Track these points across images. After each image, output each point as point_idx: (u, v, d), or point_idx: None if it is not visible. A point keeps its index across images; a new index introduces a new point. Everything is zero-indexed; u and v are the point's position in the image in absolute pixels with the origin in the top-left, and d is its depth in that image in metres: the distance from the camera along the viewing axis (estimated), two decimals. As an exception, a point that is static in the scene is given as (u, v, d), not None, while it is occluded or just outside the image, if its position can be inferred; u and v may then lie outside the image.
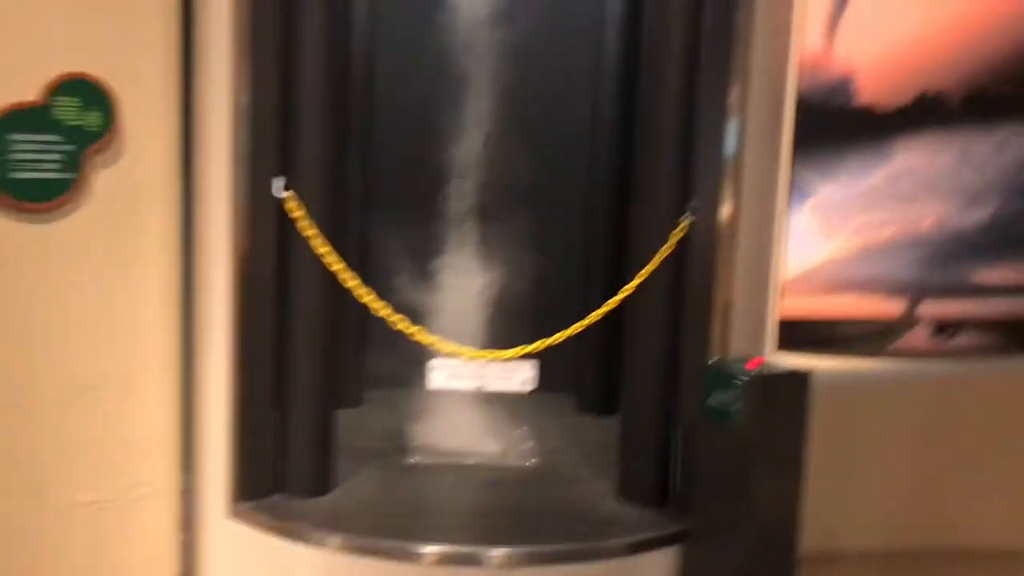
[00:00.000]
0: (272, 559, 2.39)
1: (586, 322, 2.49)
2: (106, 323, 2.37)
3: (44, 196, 2.23)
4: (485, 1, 2.87)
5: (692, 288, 2.47)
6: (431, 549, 2.27)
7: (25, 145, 2.19)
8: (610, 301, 2.47)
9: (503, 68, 2.88)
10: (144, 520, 2.50)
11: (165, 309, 2.47)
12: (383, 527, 2.36)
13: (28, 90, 2.19)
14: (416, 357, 2.68)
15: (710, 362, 2.33)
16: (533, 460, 2.86)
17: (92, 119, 2.27)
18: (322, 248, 2.40)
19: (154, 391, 2.48)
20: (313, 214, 2.41)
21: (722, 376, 2.22)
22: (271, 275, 2.43)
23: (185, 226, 2.49)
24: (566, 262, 3.43)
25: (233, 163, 2.37)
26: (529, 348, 2.44)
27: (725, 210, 2.42)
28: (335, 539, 2.30)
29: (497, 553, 2.27)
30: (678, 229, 2.44)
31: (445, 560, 2.27)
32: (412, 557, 2.27)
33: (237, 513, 2.44)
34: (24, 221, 2.22)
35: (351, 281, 2.44)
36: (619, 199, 3.20)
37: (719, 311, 2.43)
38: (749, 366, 2.20)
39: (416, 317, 2.72)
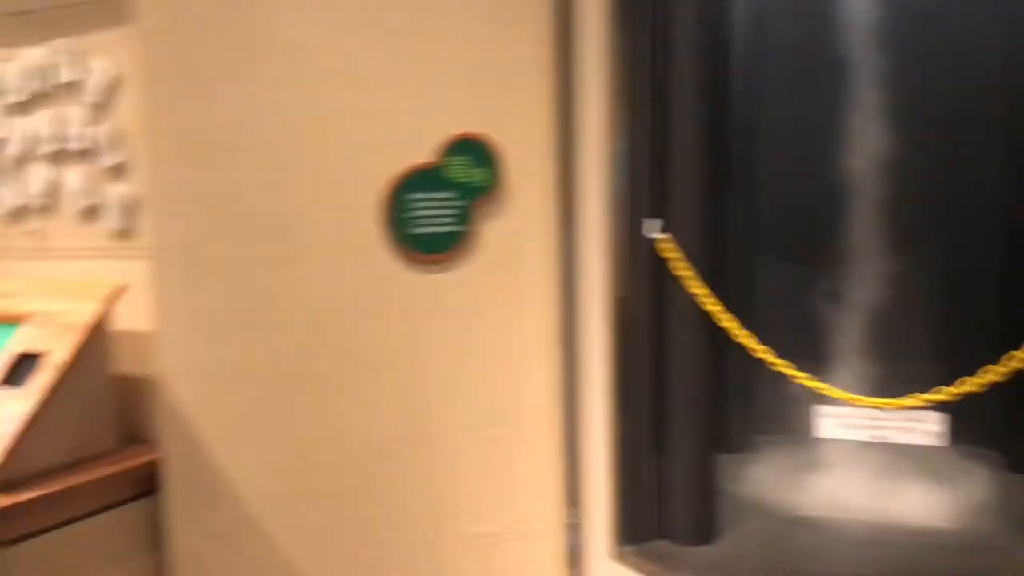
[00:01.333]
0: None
1: (1014, 365, 2.13)
2: (495, 364, 2.50)
3: (440, 248, 2.42)
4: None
5: None
6: (827, 614, 2.07)
7: (423, 203, 2.40)
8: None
9: (899, 81, 2.62)
10: (533, 553, 2.58)
11: (547, 351, 2.55)
12: (769, 584, 2.20)
13: (425, 153, 2.40)
14: (806, 402, 2.50)
15: None
16: (946, 523, 2.51)
17: (479, 175, 2.42)
18: (697, 289, 2.33)
19: (540, 430, 2.57)
20: (688, 255, 2.36)
21: None
22: (646, 317, 2.42)
23: (564, 271, 2.57)
24: (983, 295, 3.01)
25: (609, 207, 2.40)
26: (939, 396, 2.14)
27: None
28: (721, 594, 2.19)
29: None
30: None
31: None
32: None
33: (620, 556, 2.43)
34: (423, 272, 2.42)
35: (728, 322, 2.34)
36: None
37: None
38: None
39: (804, 359, 2.54)
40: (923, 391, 2.17)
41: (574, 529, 2.62)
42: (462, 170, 2.41)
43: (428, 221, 2.40)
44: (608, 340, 2.43)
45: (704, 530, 2.45)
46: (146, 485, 2.42)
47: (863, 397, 2.21)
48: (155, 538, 2.43)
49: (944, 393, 2.13)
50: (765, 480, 2.84)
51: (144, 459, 2.43)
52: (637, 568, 2.38)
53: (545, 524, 2.58)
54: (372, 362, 2.42)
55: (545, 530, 2.58)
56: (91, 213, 2.62)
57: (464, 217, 2.43)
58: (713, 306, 2.33)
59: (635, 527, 2.46)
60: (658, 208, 2.39)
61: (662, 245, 2.36)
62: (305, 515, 2.42)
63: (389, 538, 2.47)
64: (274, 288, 2.35)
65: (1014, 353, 2.12)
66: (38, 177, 2.67)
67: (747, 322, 2.40)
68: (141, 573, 2.43)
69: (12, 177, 2.72)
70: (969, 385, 2.11)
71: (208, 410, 2.40)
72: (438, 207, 2.41)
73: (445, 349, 2.46)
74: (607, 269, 2.41)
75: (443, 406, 2.49)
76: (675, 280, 2.37)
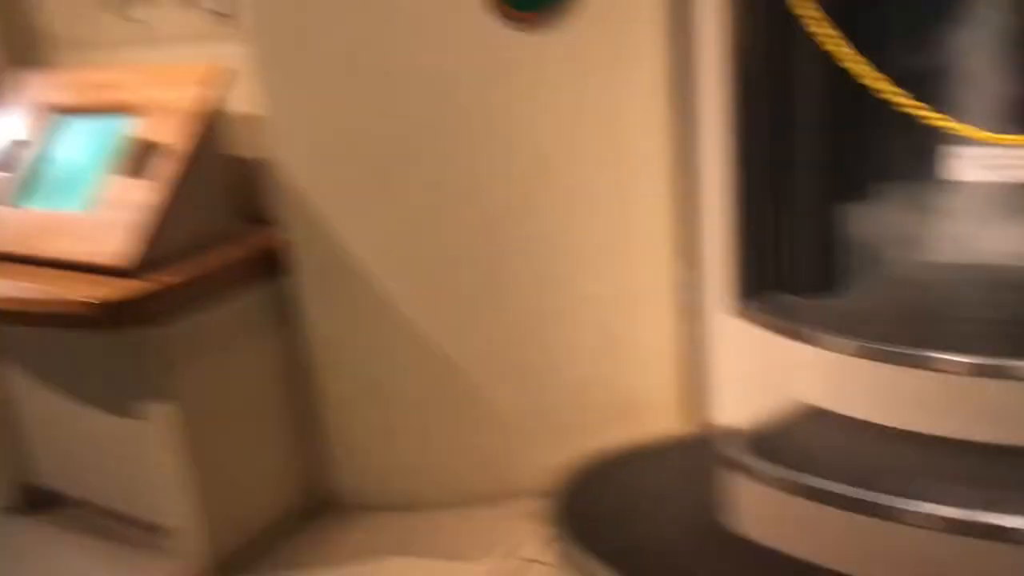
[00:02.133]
0: (778, 358, 2.36)
1: None
2: (605, 126, 2.43)
3: (541, 4, 2.29)
4: None
5: None
6: (955, 358, 2.06)
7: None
8: None
9: None
10: (652, 311, 2.63)
11: (659, 107, 2.46)
12: (897, 332, 2.19)
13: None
14: (932, 145, 2.37)
15: None
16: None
17: (583, -78, 2.25)
18: (819, 27, 2.17)
19: (653, 188, 2.53)
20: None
21: None
22: (766, 61, 2.28)
23: (676, 11, 2.42)
24: None
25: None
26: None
27: None
28: (846, 342, 2.19)
29: (1034, 367, 1.99)
30: None
31: (971, 371, 2.05)
32: (933, 366, 2.08)
33: (740, 310, 2.44)
34: (523, 31, 2.31)
35: (853, 63, 2.18)
36: None
37: None
38: None
39: (936, 99, 2.38)
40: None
41: (693, 286, 2.63)
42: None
43: (530, -23, 2.27)
44: (725, 87, 2.32)
45: (826, 280, 2.43)
46: (272, 263, 2.51)
47: (1003, 135, 2.08)
48: (286, 312, 2.56)
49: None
50: (892, 227, 2.75)
51: (268, 239, 2.51)
52: (758, 322, 2.39)
53: (663, 282, 2.60)
54: (480, 129, 2.39)
55: (663, 288, 2.60)
56: (189, -4, 2.56)
57: (568, -29, 2.28)
58: (838, 47, 2.17)
59: (755, 280, 2.45)
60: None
61: (784, -15, 2.19)
62: (426, 281, 2.50)
63: (506, 303, 2.53)
64: (375, 58, 2.30)
65: None
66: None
67: (877, 64, 2.24)
68: (276, 346, 2.59)
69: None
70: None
71: (323, 187, 2.44)
72: (540, -40, 2.26)
73: (553, 113, 2.40)
74: (722, 12, 2.26)
75: (552, 170, 2.46)
76: (798, 19, 2.20)
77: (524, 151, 2.43)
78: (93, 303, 2.12)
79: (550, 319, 2.57)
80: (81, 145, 2.55)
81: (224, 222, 2.50)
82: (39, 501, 2.85)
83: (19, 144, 2.63)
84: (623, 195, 2.51)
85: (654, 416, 2.70)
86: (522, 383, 2.62)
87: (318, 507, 2.70)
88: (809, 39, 2.20)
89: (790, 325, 2.31)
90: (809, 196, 2.37)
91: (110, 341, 2.33)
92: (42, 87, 2.70)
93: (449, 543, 2.51)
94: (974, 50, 2.42)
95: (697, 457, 2.49)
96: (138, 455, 2.46)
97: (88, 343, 2.39)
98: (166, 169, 2.31)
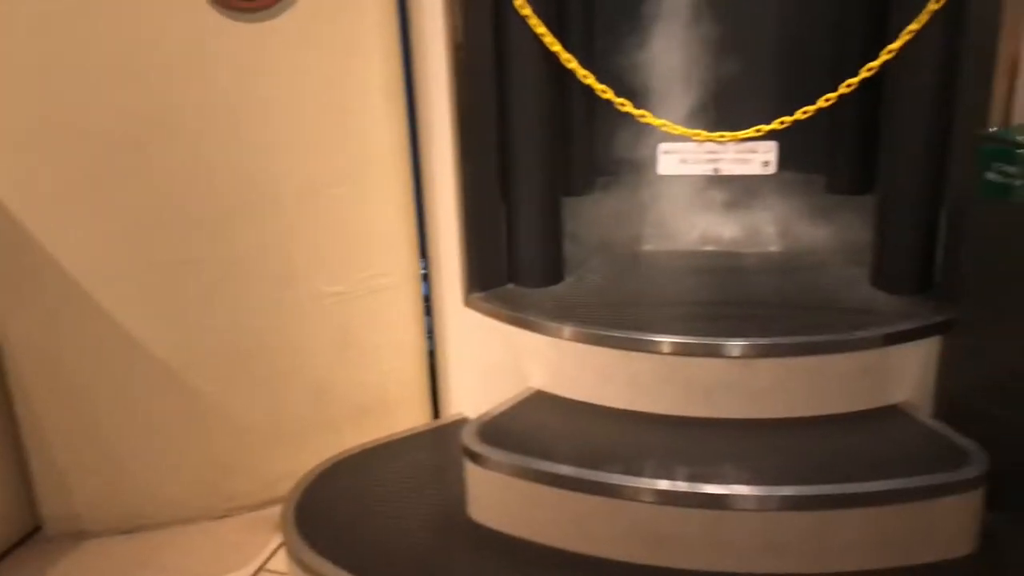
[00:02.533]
0: (508, 346, 2.42)
1: (839, 91, 2.19)
2: (333, 119, 2.37)
3: (261, -8, 2.20)
4: None
5: (970, 42, 2.09)
6: (667, 339, 2.19)
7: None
8: (870, 64, 2.15)
9: None
10: (387, 306, 2.60)
11: (389, 103, 2.44)
12: (616, 317, 2.30)
13: None
14: (647, 141, 2.52)
15: (990, 131, 1.99)
16: (777, 244, 2.67)
17: (296, -95, 2.17)
18: (540, 28, 2.23)
19: (387, 185, 2.51)
20: (529, -9, 2.24)
21: (1006, 146, 1.90)
22: (489, 60, 2.32)
23: (402, 12, 2.41)
24: (817, 28, 3.05)
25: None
26: (769, 127, 2.20)
27: (1017, -55, 1.99)
28: (567, 328, 2.28)
29: (737, 344, 2.15)
30: (953, -25, 2.05)
31: (682, 351, 2.19)
32: (647, 347, 2.20)
33: (472, 302, 2.48)
34: (240, 20, 2.21)
35: (571, 62, 2.28)
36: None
37: (1003, 70, 2.05)
38: (1041, 134, 1.87)
39: (644, 98, 2.54)
40: (757, 124, 2.22)
41: (427, 280, 2.64)
42: (276, -100, 2.15)
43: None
44: (451, 87, 2.33)
45: (550, 272, 2.52)
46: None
47: (701, 131, 2.24)
48: (-16, 325, 2.30)
49: (775, 124, 2.18)
50: (609, 220, 2.91)
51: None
52: (487, 312, 2.43)
53: (398, 278, 2.58)
54: (202, 122, 2.25)
55: (398, 283, 2.58)
56: None
57: (286, -45, 2.20)
58: (556, 46, 2.25)
59: (485, 273, 2.49)
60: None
61: (501, -19, 2.23)
62: (143, 288, 2.33)
63: (237, 305, 2.41)
64: (79, 46, 2.11)
65: (852, 80, 2.18)
66: None
67: (589, 63, 2.35)
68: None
69: None
70: (797, 115, 2.18)
71: (21, 186, 2.20)
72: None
73: (280, 104, 2.31)
74: (447, 10, 2.27)
75: (280, 168, 2.36)
76: (517, 19, 2.26)
77: (250, 146, 2.32)
78: None
79: (287, 320, 2.48)
80: None
81: None
82: None
83: None
84: (357, 190, 2.47)
85: (398, 413, 2.69)
86: (257, 389, 2.51)
87: (27, 537, 2.45)
88: (527, 36, 2.26)
89: (516, 314, 2.37)
90: (532, 191, 2.44)
91: None
92: None
93: (179, 562, 2.36)
94: (674, 51, 2.60)
95: (438, 451, 2.51)
96: None
97: None
98: None
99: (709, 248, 2.67)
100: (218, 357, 2.44)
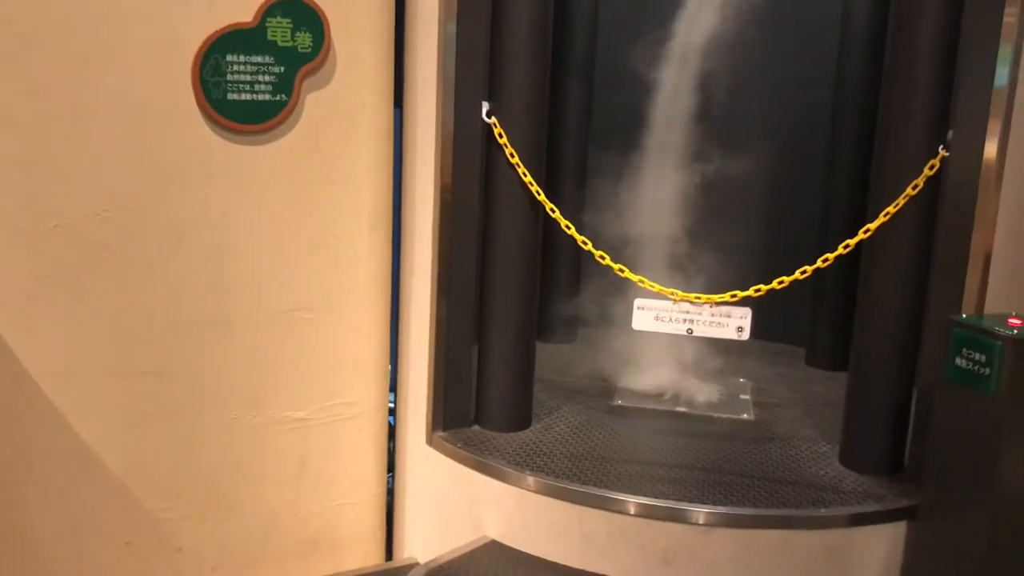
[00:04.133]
0: (466, 490, 2.35)
1: (816, 265, 2.21)
2: (318, 245, 2.39)
3: (258, 118, 2.26)
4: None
5: (944, 232, 2.13)
6: (628, 498, 2.14)
7: (240, 67, 2.22)
8: (847, 241, 2.18)
9: None
10: (350, 439, 2.54)
11: (374, 234, 2.47)
12: (580, 470, 2.25)
13: (242, 12, 2.21)
14: (626, 295, 2.53)
15: (961, 318, 2.00)
16: (750, 413, 2.64)
17: (303, 40, 2.26)
18: (526, 177, 2.28)
19: (363, 314, 2.50)
20: (518, 142, 2.30)
21: (975, 334, 1.90)
22: (474, 203, 2.36)
23: (396, 151, 2.47)
24: (800, 205, 3.13)
25: (440, 86, 2.30)
26: (745, 293, 2.21)
27: (989, 146, 2.04)
28: (527, 478, 2.22)
29: (701, 511, 2.09)
30: (929, 166, 2.10)
31: (644, 513, 2.12)
32: (608, 505, 2.14)
33: (435, 442, 2.43)
34: (237, 142, 2.26)
35: (554, 212, 2.31)
36: (864, 139, 2.84)
37: (976, 260, 2.08)
38: (1011, 323, 1.88)
39: (628, 255, 2.57)
40: (735, 288, 2.23)
41: (392, 414, 2.60)
42: (284, 32, 2.24)
43: (245, 87, 2.23)
44: (435, 226, 2.36)
45: (518, 417, 2.48)
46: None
47: (678, 292, 2.25)
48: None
49: (750, 291, 2.19)
50: (584, 370, 2.89)
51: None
52: (449, 453, 2.38)
53: (364, 408, 2.54)
54: (178, 236, 2.25)
55: (363, 414, 2.54)
56: None
57: (286, 86, 2.27)
58: (540, 195, 2.29)
59: (451, 413, 2.45)
60: (491, 93, 2.31)
61: (493, 129, 2.29)
62: (101, 396, 2.27)
63: (196, 423, 2.36)
64: (68, 145, 2.13)
65: (829, 256, 2.21)
66: None
67: (575, 213, 2.39)
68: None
69: None
70: (774, 284, 2.19)
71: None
72: (256, 72, 2.23)
73: (263, 226, 2.33)
74: (438, 152, 2.32)
75: (257, 287, 2.36)
76: (505, 167, 2.31)
77: (228, 263, 2.32)
78: None
79: (244, 442, 2.42)
80: None
81: None
82: None
83: None
84: (333, 317, 2.46)
85: (350, 550, 2.59)
86: (207, 511, 2.42)
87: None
88: (514, 183, 2.31)
89: (477, 458, 2.32)
90: (509, 334, 2.43)
91: None
92: None
93: None
94: (660, 206, 2.65)
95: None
96: None
97: None
98: None
99: (680, 409, 2.64)
100: (167, 473, 2.36)
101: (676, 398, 2.67)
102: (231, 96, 2.21)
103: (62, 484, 2.29)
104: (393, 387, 2.62)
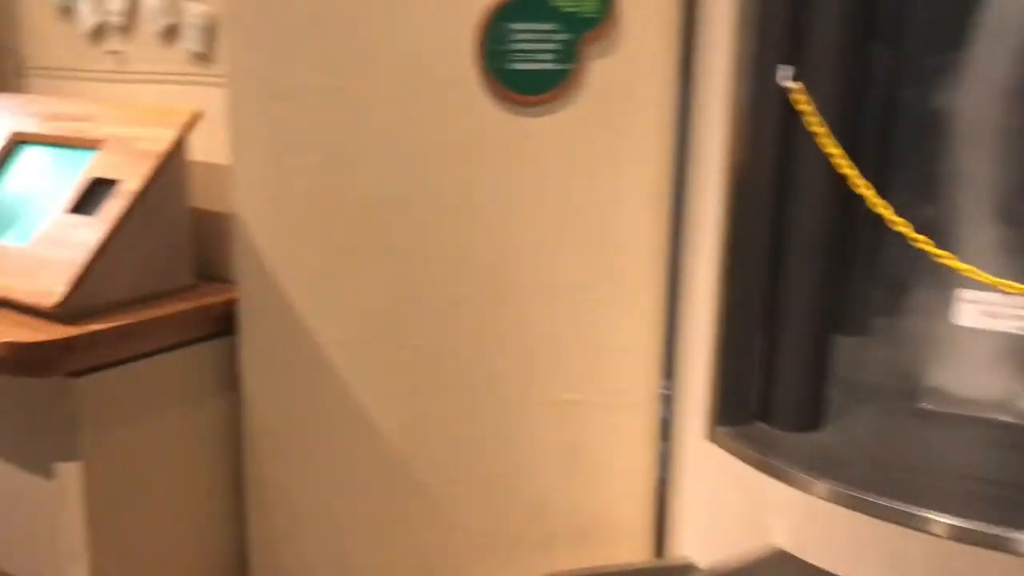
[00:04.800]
0: (749, 491, 2.15)
1: None
2: (593, 222, 2.28)
3: (539, 88, 2.17)
4: None
5: None
6: (941, 519, 1.85)
7: (523, 35, 2.13)
8: None
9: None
10: (623, 426, 2.43)
11: (654, 210, 2.32)
12: (881, 480, 1.98)
13: (529, -24, 2.12)
14: (938, 285, 2.21)
15: None
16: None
17: (589, 5, 2.14)
18: (832, 148, 2.03)
19: (639, 296, 2.36)
20: (824, 110, 2.05)
21: None
22: (769, 179, 2.14)
23: (680, 122, 2.30)
24: None
25: (735, 51, 2.09)
26: (1104, 285, 1.84)
27: None
28: (822, 485, 1.99)
29: (1026, 539, 1.78)
30: None
31: (957, 536, 1.83)
32: (916, 523, 1.87)
33: (715, 437, 2.24)
34: (517, 113, 2.18)
35: (864, 188, 2.04)
36: None
37: None
38: None
39: (942, 236, 2.24)
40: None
41: (668, 404, 2.45)
42: (569, -1, 2.13)
43: (528, 56, 2.14)
44: (723, 203, 2.17)
45: (811, 416, 2.23)
46: (223, 324, 2.33)
47: (1014, 283, 1.92)
48: (232, 379, 2.37)
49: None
50: (888, 367, 2.58)
51: (221, 297, 2.34)
52: (732, 451, 2.19)
53: (637, 396, 2.40)
54: (458, 209, 2.22)
55: (637, 402, 2.41)
56: (170, 34, 2.44)
57: (569, 54, 2.16)
58: (848, 169, 2.03)
59: (735, 407, 2.25)
60: (793, 57, 2.08)
61: (796, 96, 2.06)
62: (381, 365, 2.31)
63: (467, 396, 2.34)
64: (354, 123, 2.16)
65: None
66: (116, -9, 2.51)
67: (885, 191, 2.11)
68: (215, 412, 2.39)
69: (90, -8, 2.56)
70: None
71: (284, 249, 2.27)
72: (540, 40, 2.14)
73: (539, 200, 2.24)
74: (730, 121, 2.13)
75: (531, 264, 2.29)
76: (806, 138, 2.07)
77: (503, 238, 2.27)
78: (1, 343, 1.93)
79: (515, 423, 2.37)
80: (36, 176, 2.40)
81: (174, 274, 2.33)
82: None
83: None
84: (606, 297, 2.34)
85: (618, 542, 2.48)
86: (474, 490, 2.40)
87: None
88: (816, 157, 2.06)
89: (765, 458, 2.11)
90: (803, 323, 2.19)
91: (25, 387, 2.13)
92: (6, 110, 2.57)
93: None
94: (985, 183, 2.29)
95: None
96: (40, 517, 2.23)
97: (3, 386, 2.19)
98: (115, 209, 2.15)
99: (1006, 419, 2.28)
100: (439, 450, 2.36)
101: (999, 404, 2.31)
102: (514, 66, 2.14)
103: (340, 449, 2.36)
104: (668, 375, 2.46)
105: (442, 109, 2.16)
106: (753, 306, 2.22)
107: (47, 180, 2.34)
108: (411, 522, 2.41)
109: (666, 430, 2.49)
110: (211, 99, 2.28)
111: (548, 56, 2.15)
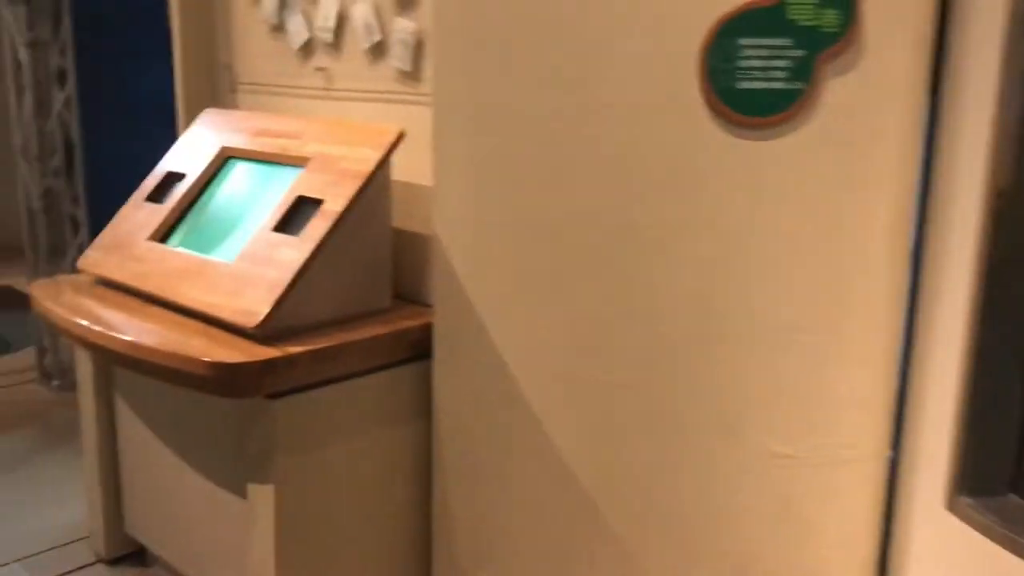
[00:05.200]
0: (995, 573, 1.87)
1: None
2: (822, 256, 2.04)
3: (768, 109, 1.96)
4: None
5: None
6: None
7: (754, 50, 1.94)
8: None
9: None
10: (843, 485, 2.17)
11: (892, 245, 2.06)
12: None
13: (763, -13, 1.93)
14: None
15: None
16: None
17: (828, 19, 1.92)
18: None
19: (869, 340, 2.11)
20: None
21: None
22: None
23: (926, 148, 2.04)
24: None
25: (1003, 66, 1.82)
26: None
27: None
28: (1096, 579, 1.69)
29: None
30: None
31: None
32: None
33: (956, 507, 1.96)
34: (741, 136, 1.99)
35: None
36: None
37: None
38: None
39: None
40: None
41: (896, 463, 2.18)
42: (807, 10, 1.92)
43: (758, 74, 1.94)
44: (978, 238, 1.90)
45: (1077, 492, 1.92)
46: (419, 348, 2.26)
47: None
48: (425, 405, 2.29)
49: None
50: None
51: (418, 321, 2.27)
52: (978, 526, 1.90)
53: (861, 452, 2.15)
54: (673, 239, 2.05)
55: (860, 459, 2.15)
56: (377, 51, 2.40)
57: (803, 72, 1.95)
58: None
59: (983, 474, 1.96)
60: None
61: (1076, 120, 1.77)
62: (578, 400, 2.17)
63: (669, 443, 2.15)
64: (564, 146, 2.03)
65: None
66: (327, 8, 2.49)
67: None
68: (407, 438, 2.32)
69: (302, 9, 2.57)
70: None
71: (483, 273, 2.17)
72: (772, 57, 1.94)
73: (763, 232, 2.04)
74: (992, 145, 1.86)
75: (747, 302, 2.08)
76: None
77: (720, 271, 2.07)
78: (202, 362, 1.91)
79: (720, 475, 2.17)
80: (243, 191, 2.41)
81: (373, 295, 2.28)
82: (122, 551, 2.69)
83: (175, 176, 2.53)
84: (831, 341, 2.10)
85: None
86: (672, 541, 2.21)
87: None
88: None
89: (1018, 539, 1.82)
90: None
91: (222, 405, 2.13)
92: (217, 126, 2.61)
93: None
94: None
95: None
96: (230, 533, 2.23)
97: (201, 403, 2.20)
98: (319, 229, 2.11)
99: None
100: (635, 495, 2.19)
101: None
102: (741, 85, 1.95)
103: (530, 484, 2.24)
104: (899, 430, 2.20)
105: (660, 131, 2.00)
106: (1012, 355, 1.93)
107: (253, 196, 2.35)
108: (598, 565, 2.25)
109: (893, 492, 2.22)
110: (416, 118, 2.22)
111: (779, 74, 1.94)
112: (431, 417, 2.28)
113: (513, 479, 2.26)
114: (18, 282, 4.29)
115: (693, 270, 2.07)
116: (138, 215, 2.51)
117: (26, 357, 4.34)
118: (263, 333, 2.02)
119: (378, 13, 2.35)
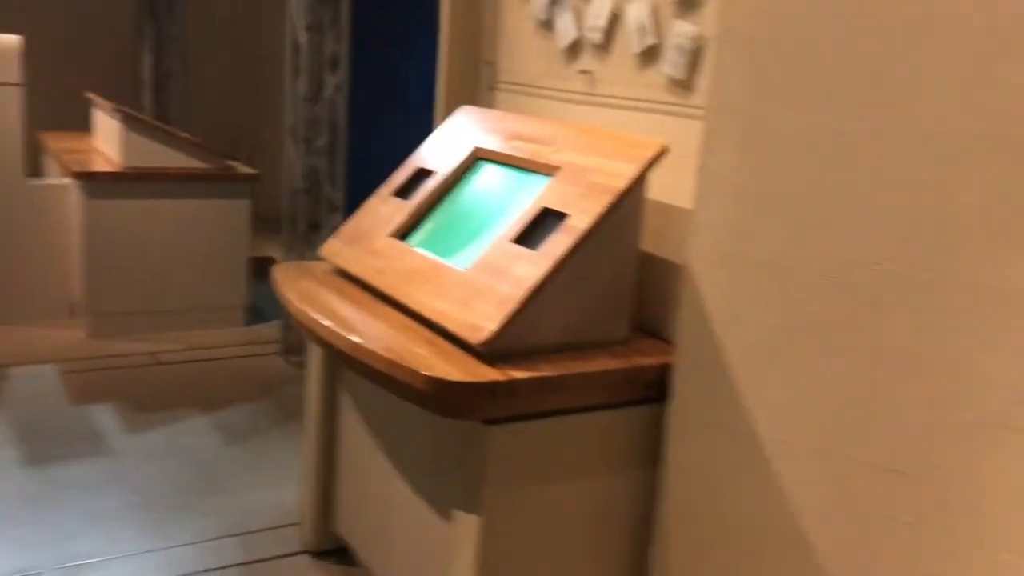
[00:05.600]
0: None
1: None
2: None
3: None
4: None
5: None
6: None
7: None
8: None
9: None
10: None
11: None
12: None
13: None
14: None
15: None
16: None
17: None
18: None
19: None
20: None
21: None
22: None
23: None
24: None
25: None
26: None
27: None
28: None
29: None
30: None
31: None
32: None
33: None
34: None
35: None
36: None
37: None
38: None
39: None
40: None
41: None
42: None
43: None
44: None
45: None
46: (654, 390, 2.03)
47: None
48: (653, 453, 2.05)
49: None
50: None
51: (656, 359, 2.04)
52: None
53: None
54: (979, 309, 1.67)
55: None
56: (649, 56, 2.19)
57: None
58: None
59: None
60: None
61: None
62: (830, 481, 1.83)
63: (940, 549, 1.76)
64: (851, 177, 1.71)
65: None
66: (600, 6, 2.30)
67: None
68: (629, 487, 2.09)
69: (572, 5, 2.39)
70: None
71: (738, 316, 1.89)
72: None
73: None
74: None
75: (968, 388, 1.68)
76: None
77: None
78: (421, 375, 1.78)
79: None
80: (487, 196, 2.28)
81: (610, 324, 2.07)
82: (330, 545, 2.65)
83: (424, 173, 2.44)
84: None
85: None
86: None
87: None
88: None
89: None
90: None
91: (440, 421, 2.00)
92: (472, 124, 2.50)
93: None
94: None
95: None
96: (433, 554, 2.10)
97: (421, 413, 2.08)
98: (560, 246, 1.93)
99: None
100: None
101: None
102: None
103: (760, 561, 1.94)
104: None
105: (969, 170, 1.63)
106: None
107: (498, 202, 2.21)
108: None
109: None
110: (682, 132, 1.98)
111: None
112: (657, 469, 2.04)
113: (740, 553, 1.97)
114: (278, 255, 4.46)
115: (994, 342, 1.67)
116: (383, 209, 2.45)
117: (275, 329, 4.52)
118: (488, 351, 1.87)
119: (655, 14, 2.13)
